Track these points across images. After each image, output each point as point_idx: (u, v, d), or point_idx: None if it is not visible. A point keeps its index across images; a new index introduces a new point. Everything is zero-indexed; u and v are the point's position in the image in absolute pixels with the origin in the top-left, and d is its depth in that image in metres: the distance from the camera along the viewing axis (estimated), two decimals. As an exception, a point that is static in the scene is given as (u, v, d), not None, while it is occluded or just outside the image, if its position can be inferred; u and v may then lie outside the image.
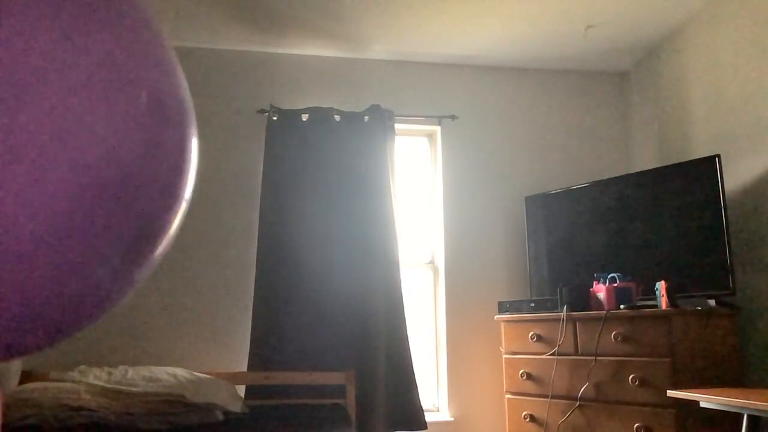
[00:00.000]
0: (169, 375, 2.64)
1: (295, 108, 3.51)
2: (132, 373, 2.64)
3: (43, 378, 2.67)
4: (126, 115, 1.10)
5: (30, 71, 0.95)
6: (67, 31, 1.00)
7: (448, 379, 3.43)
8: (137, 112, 1.12)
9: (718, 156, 2.71)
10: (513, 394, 2.98)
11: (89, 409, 2.30)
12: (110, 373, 2.64)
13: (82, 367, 2.70)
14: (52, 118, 0.97)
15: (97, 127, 1.04)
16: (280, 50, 3.58)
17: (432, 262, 3.69)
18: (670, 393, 2.24)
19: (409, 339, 3.27)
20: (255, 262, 3.28)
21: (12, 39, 0.93)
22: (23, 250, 0.98)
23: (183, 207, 1.40)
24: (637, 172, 3.04)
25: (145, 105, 1.13)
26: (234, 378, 2.94)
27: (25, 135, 0.94)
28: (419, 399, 3.20)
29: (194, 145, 1.41)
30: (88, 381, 2.53)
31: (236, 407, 2.59)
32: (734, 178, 2.87)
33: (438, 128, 3.69)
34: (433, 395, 3.53)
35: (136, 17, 1.18)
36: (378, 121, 3.45)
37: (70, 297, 1.10)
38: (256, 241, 3.30)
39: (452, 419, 3.37)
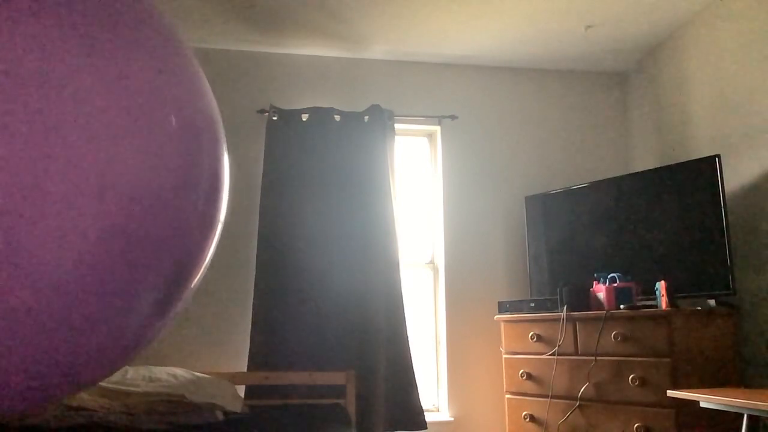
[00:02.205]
0: (169, 375, 2.63)
1: (295, 108, 3.51)
2: (132, 373, 2.64)
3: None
4: (158, 142, 0.97)
5: (56, 99, 0.84)
6: (89, 48, 0.90)
7: (448, 379, 3.43)
8: (169, 137, 1.00)
9: (718, 156, 2.71)
10: (513, 394, 2.98)
11: (89, 409, 2.30)
12: (110, 373, 2.64)
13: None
14: (79, 148, 0.85)
15: (128, 156, 0.91)
16: (280, 50, 3.57)
17: (432, 262, 3.69)
18: (670, 393, 2.24)
19: (409, 339, 3.27)
20: (255, 262, 3.28)
21: (35, 59, 0.83)
22: (48, 295, 0.85)
23: (219, 231, 1.27)
24: (637, 172, 3.04)
25: (176, 128, 1.01)
26: (234, 378, 2.94)
27: (51, 166, 0.82)
28: (419, 399, 3.19)
29: (227, 163, 1.27)
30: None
31: (236, 407, 2.59)
32: (734, 178, 2.87)
33: (438, 128, 3.69)
34: (433, 395, 3.53)
35: (160, 32, 1.07)
36: (378, 121, 3.45)
37: (100, 344, 0.96)
38: (256, 241, 3.30)
39: (452, 419, 3.37)
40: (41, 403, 1.00)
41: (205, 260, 1.19)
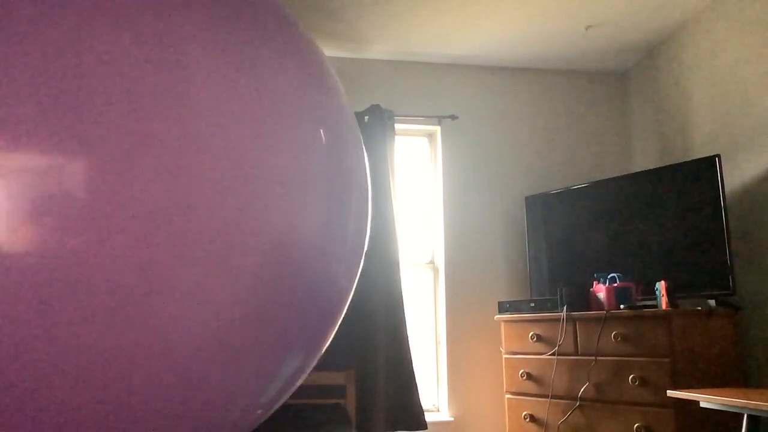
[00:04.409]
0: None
1: (295, 108, 3.51)
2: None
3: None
4: (310, 168, 0.78)
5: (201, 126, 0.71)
6: (239, 67, 0.76)
7: (448, 379, 3.43)
8: (320, 157, 0.80)
9: (718, 156, 2.71)
10: (513, 394, 2.98)
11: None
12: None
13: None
14: (222, 195, 0.71)
15: (277, 197, 0.74)
16: (280, 50, 3.57)
17: (432, 262, 3.69)
18: (670, 393, 2.24)
19: (409, 339, 3.27)
20: (255, 262, 3.27)
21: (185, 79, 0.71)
22: (189, 364, 0.74)
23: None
24: (637, 172, 3.04)
25: (326, 144, 0.82)
26: (234, 378, 2.93)
27: (193, 215, 0.69)
28: (419, 399, 3.19)
29: (369, 182, 1.00)
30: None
31: (236, 407, 2.58)
32: (734, 178, 2.87)
33: (438, 128, 3.69)
34: (433, 395, 3.53)
35: (298, 38, 0.93)
36: (378, 121, 3.45)
37: (243, 412, 0.85)
38: (256, 241, 3.29)
39: (452, 419, 3.37)
40: None
41: (349, 297, 1.05)
